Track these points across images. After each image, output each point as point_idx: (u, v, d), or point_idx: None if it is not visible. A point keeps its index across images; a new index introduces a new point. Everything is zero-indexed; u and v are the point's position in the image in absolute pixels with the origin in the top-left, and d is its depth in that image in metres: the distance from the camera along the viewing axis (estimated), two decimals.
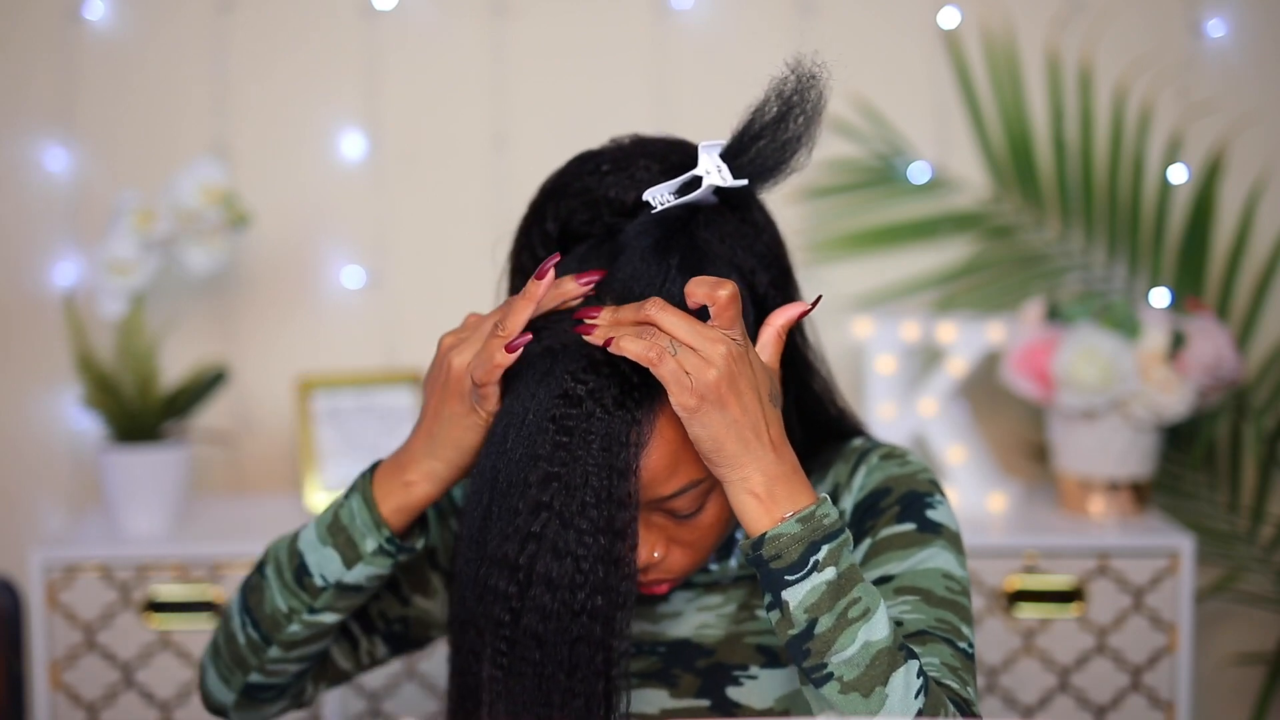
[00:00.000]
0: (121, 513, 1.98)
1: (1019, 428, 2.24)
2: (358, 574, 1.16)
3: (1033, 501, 2.09)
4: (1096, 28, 2.19)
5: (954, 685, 1.07)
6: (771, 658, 1.18)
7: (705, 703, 1.17)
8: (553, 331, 1.08)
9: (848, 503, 1.20)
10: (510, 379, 1.09)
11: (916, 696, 1.01)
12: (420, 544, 1.18)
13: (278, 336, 2.24)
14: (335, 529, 1.16)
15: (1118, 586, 1.90)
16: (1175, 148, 2.16)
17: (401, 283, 2.24)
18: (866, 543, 1.17)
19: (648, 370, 1.04)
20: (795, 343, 1.21)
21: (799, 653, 1.02)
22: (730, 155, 1.14)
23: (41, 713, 1.91)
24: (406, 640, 1.30)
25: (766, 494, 1.03)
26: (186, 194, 1.97)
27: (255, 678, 1.22)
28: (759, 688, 1.17)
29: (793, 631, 1.02)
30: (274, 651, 1.20)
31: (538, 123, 2.21)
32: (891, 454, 1.22)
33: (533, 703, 1.07)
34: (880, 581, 1.14)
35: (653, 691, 1.19)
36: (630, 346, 1.02)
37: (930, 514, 1.17)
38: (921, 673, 1.03)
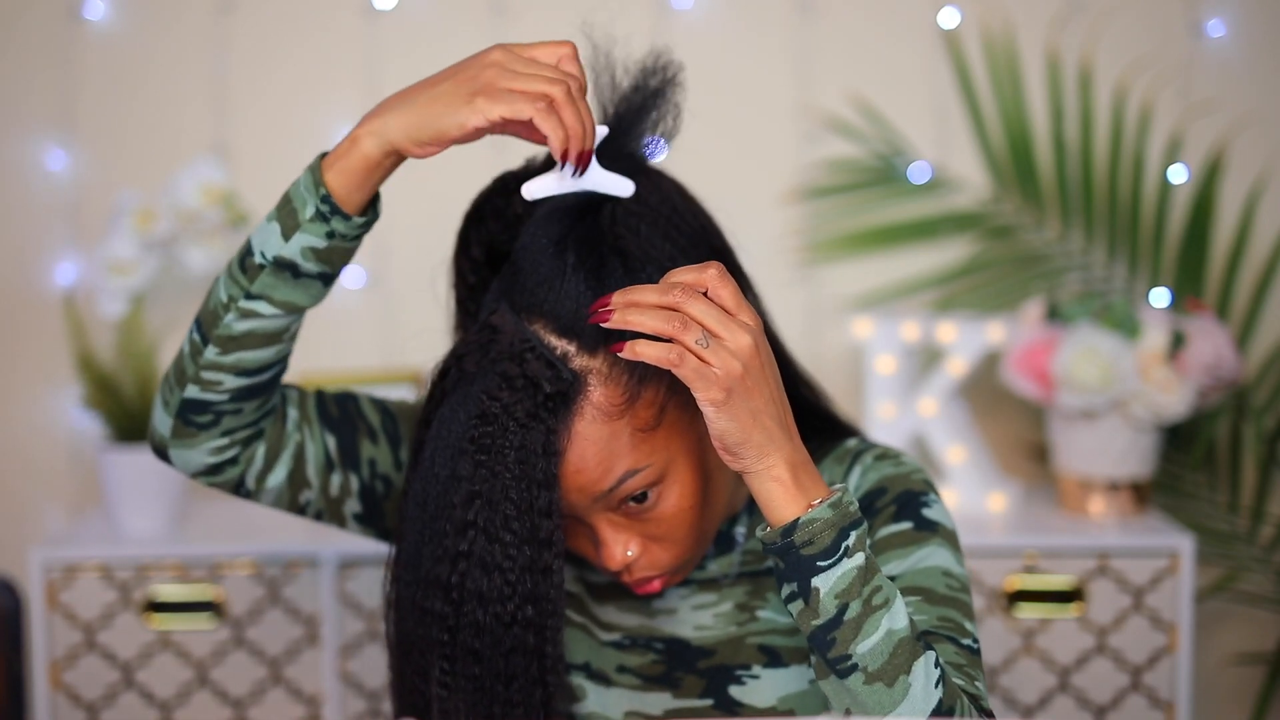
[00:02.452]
0: (121, 513, 1.98)
1: (1019, 428, 2.24)
2: (294, 245, 1.10)
3: (1033, 501, 2.09)
4: (1096, 28, 2.19)
5: (960, 683, 1.07)
6: (774, 658, 1.18)
7: (709, 702, 1.18)
8: (471, 356, 1.09)
9: None
10: (434, 405, 1.11)
11: (936, 686, 1.03)
12: (361, 220, 1.12)
13: None
14: (282, 203, 1.11)
15: (1118, 586, 1.90)
16: (1175, 148, 2.16)
17: (401, 283, 2.24)
18: None
19: (559, 376, 1.06)
20: (777, 340, 1.22)
21: (823, 643, 1.02)
22: (604, 150, 1.14)
23: (41, 713, 1.91)
24: (381, 515, 1.25)
25: (793, 481, 1.03)
26: (186, 194, 1.97)
27: (191, 390, 1.15)
28: (762, 687, 1.18)
29: (817, 621, 1.02)
30: (210, 352, 1.13)
31: None
32: (885, 454, 1.23)
33: (477, 716, 1.08)
34: None
35: (656, 694, 1.19)
36: (648, 352, 1.01)
37: (926, 512, 1.18)
38: (939, 664, 1.04)
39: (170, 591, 1.91)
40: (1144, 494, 2.01)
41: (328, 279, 1.14)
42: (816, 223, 2.22)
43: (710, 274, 1.03)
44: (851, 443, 1.26)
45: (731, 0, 2.22)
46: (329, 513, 1.25)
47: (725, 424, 1.01)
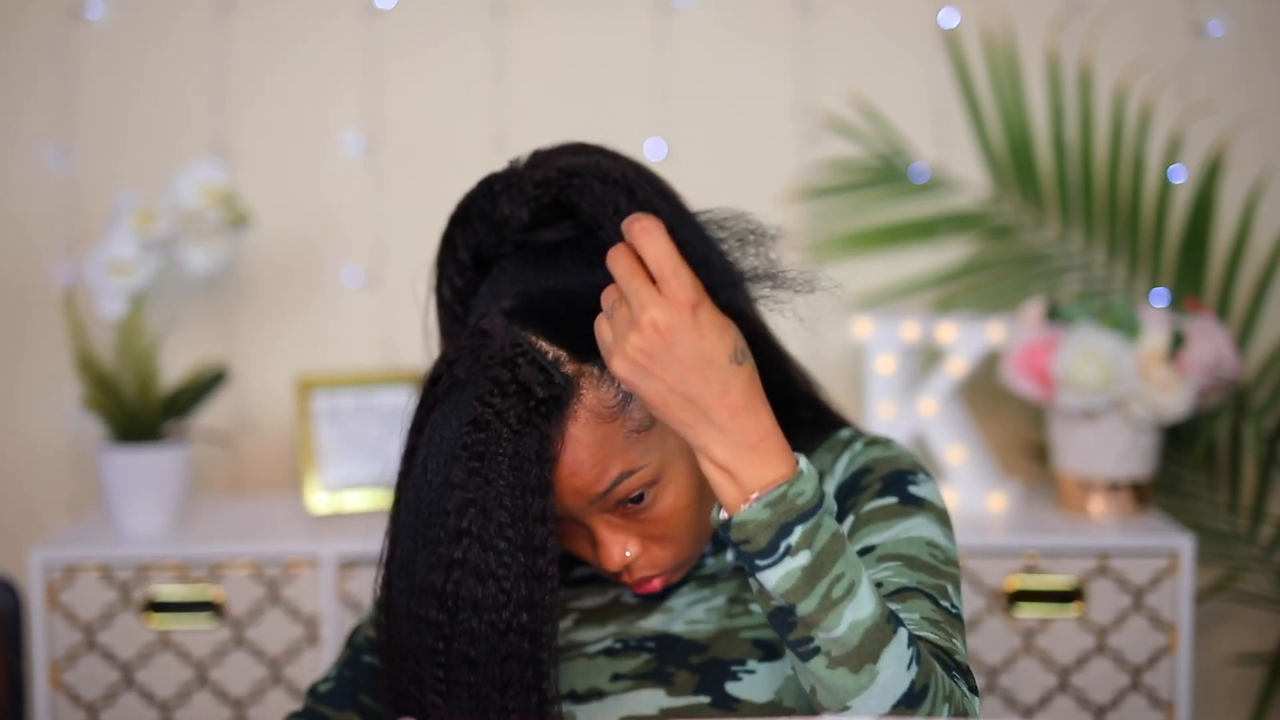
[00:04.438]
0: (121, 513, 1.98)
1: (1019, 428, 2.24)
2: None
3: (1033, 501, 2.09)
4: (1096, 28, 2.19)
5: (932, 637, 1.07)
6: (769, 651, 1.18)
7: (705, 699, 1.17)
8: (463, 362, 1.10)
9: (830, 486, 1.21)
10: (426, 411, 1.11)
11: (909, 668, 1.00)
12: None
13: (278, 336, 2.24)
14: None
15: (1118, 586, 1.90)
16: (1175, 148, 2.16)
17: (401, 283, 2.24)
18: (850, 519, 1.17)
19: (551, 381, 1.06)
20: (763, 327, 1.22)
21: (782, 625, 1.00)
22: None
23: (41, 713, 1.91)
24: None
25: (732, 466, 0.99)
26: (186, 194, 1.97)
27: None
28: (758, 682, 1.17)
29: (773, 604, 1.00)
30: None
31: (538, 123, 2.21)
32: (876, 441, 1.23)
33: None
34: (863, 553, 1.14)
35: (649, 692, 1.18)
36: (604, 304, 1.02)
37: (913, 489, 1.18)
38: (912, 641, 1.01)
39: (170, 591, 1.91)
40: (1144, 494, 2.01)
41: None
42: (816, 223, 2.22)
43: (635, 228, 0.99)
44: (844, 433, 1.26)
45: (731, 0, 2.22)
46: None
47: (644, 397, 1.00)
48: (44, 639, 1.90)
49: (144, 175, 2.16)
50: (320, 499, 2.07)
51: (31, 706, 1.91)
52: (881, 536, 1.14)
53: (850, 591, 0.99)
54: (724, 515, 1.00)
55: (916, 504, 1.17)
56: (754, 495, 0.98)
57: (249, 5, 2.21)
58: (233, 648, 1.91)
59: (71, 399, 2.18)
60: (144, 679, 1.92)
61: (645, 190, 1.12)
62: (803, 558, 0.98)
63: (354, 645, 1.30)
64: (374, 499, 2.07)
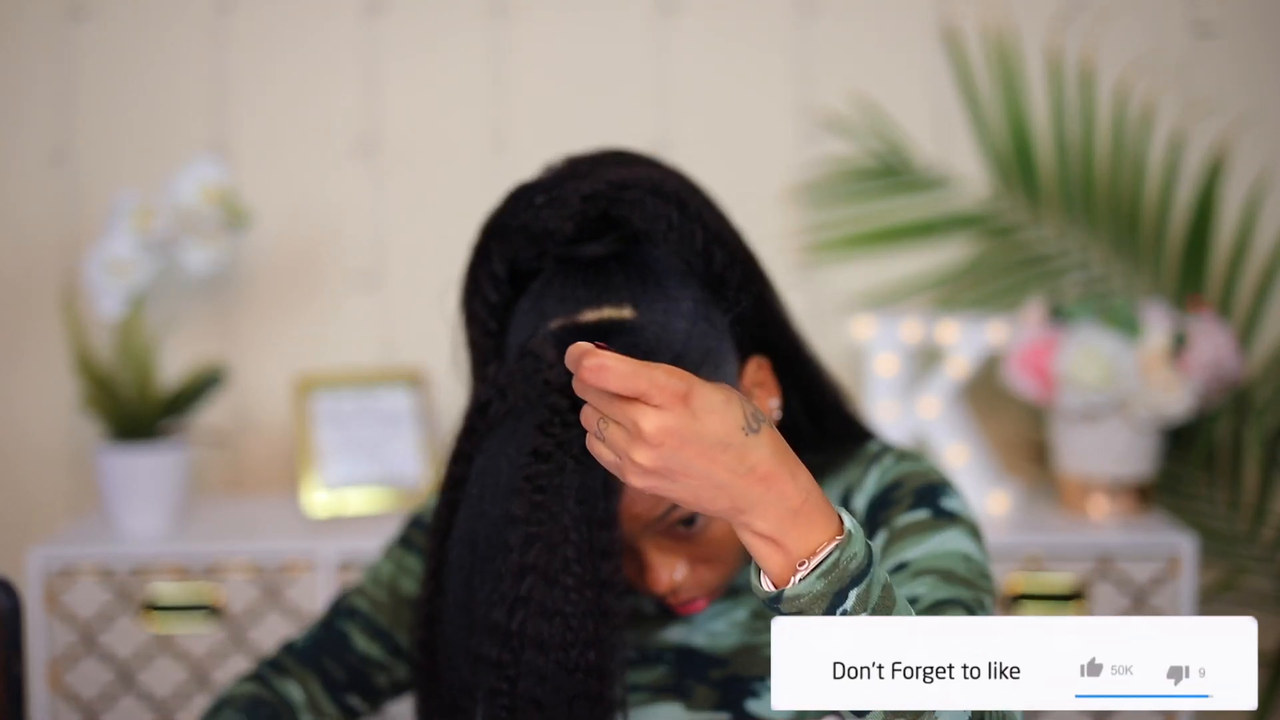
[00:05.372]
0: (120, 513, 1.98)
1: (1020, 428, 2.23)
2: None
3: (1034, 502, 2.09)
4: (1097, 27, 2.18)
5: None
6: None
7: (725, 715, 1.15)
8: (515, 388, 1.05)
9: (861, 501, 1.18)
10: (478, 438, 1.07)
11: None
12: None
13: (277, 336, 2.23)
14: None
15: (1119, 587, 1.90)
16: (1177, 147, 2.16)
17: (401, 283, 2.24)
18: (882, 534, 1.14)
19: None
20: (796, 342, 1.20)
21: None
22: None
23: (40, 714, 1.90)
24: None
25: (777, 535, 0.90)
26: (186, 194, 1.97)
27: None
28: None
29: None
30: None
31: (537, 123, 2.21)
32: (905, 455, 1.20)
33: None
34: (897, 569, 1.11)
35: (667, 705, 1.16)
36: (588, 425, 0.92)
37: (944, 503, 1.15)
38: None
39: (169, 592, 1.90)
40: (1145, 494, 2.00)
41: None
42: (817, 222, 2.22)
43: (585, 376, 0.87)
44: (873, 446, 1.22)
45: (731, 0, 2.21)
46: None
47: (674, 499, 0.91)
48: (43, 640, 1.90)
49: (143, 175, 2.16)
50: (319, 499, 2.07)
51: (30, 707, 1.90)
52: (916, 551, 1.11)
53: None
54: (769, 586, 0.92)
55: (949, 518, 1.14)
56: (803, 564, 0.90)
57: (249, 5, 2.21)
58: (231, 648, 1.91)
59: (70, 399, 2.17)
60: (143, 679, 1.91)
61: (695, 201, 1.10)
62: (861, 620, 0.92)
63: (336, 610, 1.28)
64: (373, 500, 2.07)
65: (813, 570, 0.89)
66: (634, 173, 1.10)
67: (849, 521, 0.92)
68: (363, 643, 1.26)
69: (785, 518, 0.90)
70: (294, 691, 1.25)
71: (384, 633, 1.27)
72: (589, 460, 1.01)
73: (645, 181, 1.08)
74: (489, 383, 1.07)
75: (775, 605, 0.91)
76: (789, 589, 0.90)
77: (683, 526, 1.09)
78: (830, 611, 0.90)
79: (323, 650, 1.26)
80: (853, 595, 0.90)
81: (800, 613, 0.90)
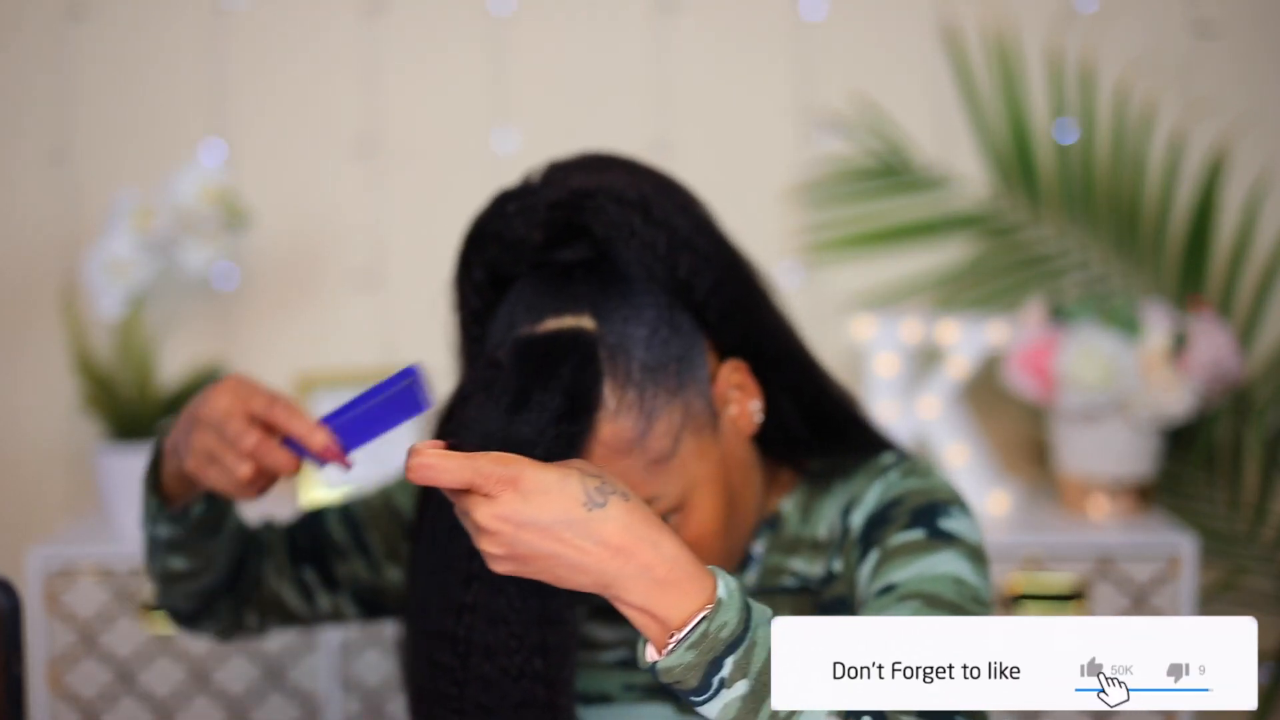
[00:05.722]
0: (120, 513, 1.97)
1: (1020, 428, 2.23)
2: (163, 532, 1.17)
3: (1034, 502, 2.09)
4: (1097, 27, 2.18)
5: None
6: None
7: None
8: (475, 399, 1.06)
9: (859, 517, 1.14)
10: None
11: None
12: (198, 509, 1.16)
13: (277, 336, 2.23)
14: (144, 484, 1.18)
15: (1119, 587, 1.90)
16: (1177, 147, 2.16)
17: (401, 283, 2.24)
18: (875, 554, 1.11)
19: (560, 426, 1.02)
20: (789, 345, 1.18)
21: None
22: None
23: (40, 714, 1.90)
24: (381, 608, 1.29)
25: (647, 605, 0.91)
26: (185, 194, 1.96)
27: (161, 603, 1.26)
28: None
29: None
30: (157, 585, 1.23)
31: (538, 123, 2.21)
32: (913, 470, 1.17)
33: None
34: (884, 591, 1.07)
35: (657, 707, 1.17)
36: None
37: (944, 523, 1.11)
38: None
39: None
40: (1146, 494, 2.00)
41: (215, 532, 1.19)
42: (817, 222, 2.22)
43: (415, 478, 0.92)
44: (886, 458, 1.18)
45: (731, 0, 2.21)
46: (333, 620, 1.31)
47: (542, 579, 0.92)
48: (42, 640, 1.90)
49: (143, 175, 2.16)
50: (319, 499, 2.06)
51: (30, 707, 1.90)
52: (903, 574, 1.07)
53: (794, 716, 0.91)
54: (650, 657, 0.92)
55: (945, 539, 1.10)
56: (674, 637, 0.90)
57: (249, 5, 2.20)
58: (231, 649, 1.90)
59: (70, 399, 2.17)
60: (143, 680, 1.91)
61: (662, 207, 1.09)
62: (739, 688, 0.91)
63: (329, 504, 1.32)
64: None
65: (680, 643, 0.90)
66: (601, 179, 1.09)
67: (722, 587, 0.91)
68: (334, 524, 1.29)
69: (652, 589, 0.90)
70: (263, 537, 1.29)
71: (356, 524, 1.28)
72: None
73: (609, 189, 1.08)
74: (455, 391, 1.08)
75: (657, 678, 0.92)
76: (660, 662, 0.90)
77: None
78: (707, 681, 0.90)
79: (298, 524, 1.30)
80: (728, 663, 0.90)
81: (679, 683, 0.91)
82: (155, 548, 1.20)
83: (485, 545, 0.91)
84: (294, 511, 1.34)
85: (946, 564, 1.08)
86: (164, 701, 1.91)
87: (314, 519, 1.30)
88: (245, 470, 1.04)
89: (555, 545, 0.90)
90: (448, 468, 0.90)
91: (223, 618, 1.27)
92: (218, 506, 1.18)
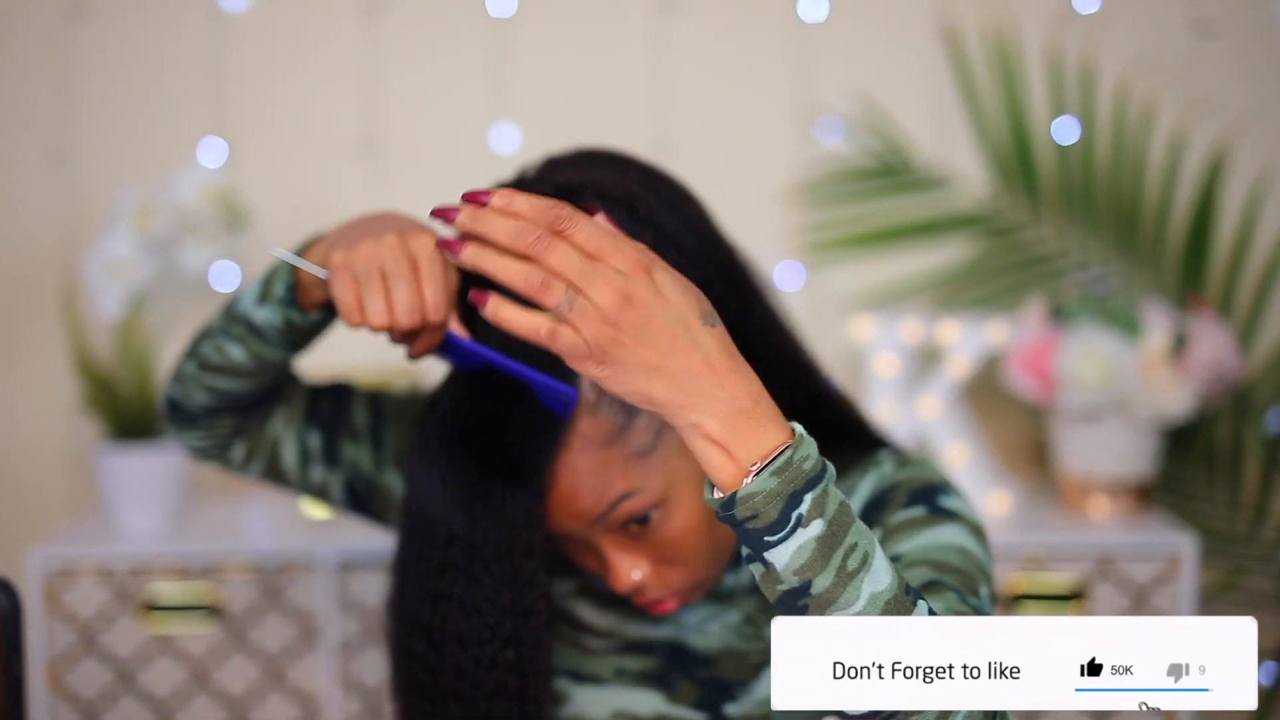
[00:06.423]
0: (120, 513, 1.97)
1: (1020, 428, 2.23)
2: (262, 314, 1.15)
3: (1034, 502, 2.09)
4: (1097, 27, 2.18)
5: None
6: None
7: (702, 715, 1.15)
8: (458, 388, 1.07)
9: (854, 506, 1.14)
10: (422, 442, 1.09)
11: None
12: (317, 318, 1.15)
13: None
14: (272, 268, 1.16)
15: (1119, 587, 1.90)
16: (1177, 147, 2.16)
17: None
18: (877, 533, 1.11)
19: (537, 423, 1.02)
20: (783, 343, 1.18)
21: (794, 609, 0.90)
22: None
23: (40, 714, 1.90)
24: (365, 506, 1.29)
25: (726, 437, 0.87)
26: (185, 193, 1.96)
27: (174, 390, 1.24)
28: (754, 692, 1.16)
29: (782, 587, 0.89)
30: (189, 366, 1.21)
31: (538, 123, 2.21)
32: (908, 462, 1.18)
33: None
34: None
35: (648, 693, 1.17)
36: (514, 322, 0.88)
37: (942, 501, 1.12)
38: (933, 614, 0.93)
39: (168, 592, 1.90)
40: (1146, 494, 2.00)
41: (293, 348, 1.18)
42: (817, 223, 2.22)
43: (559, 215, 0.86)
44: (881, 454, 1.19)
45: (731, 0, 2.21)
46: (316, 496, 1.29)
47: (621, 389, 0.87)
48: (42, 640, 1.90)
49: (143, 175, 2.16)
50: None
51: (30, 707, 1.90)
52: (909, 545, 1.07)
53: (865, 562, 0.89)
54: (719, 493, 0.89)
55: (946, 514, 1.10)
56: (754, 466, 0.87)
57: (249, 5, 2.20)
58: (231, 649, 1.91)
59: (70, 399, 2.17)
60: (143, 680, 1.91)
61: (648, 204, 1.09)
62: (816, 527, 0.87)
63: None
64: None
65: (765, 466, 0.86)
66: (589, 176, 1.09)
67: (799, 428, 0.89)
68: (359, 405, 1.28)
69: (735, 418, 0.87)
70: (289, 384, 1.28)
71: (381, 415, 1.28)
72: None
73: (596, 185, 1.08)
74: (441, 382, 1.10)
75: (730, 513, 0.88)
76: (742, 490, 0.86)
77: (636, 525, 1.09)
78: (786, 515, 0.87)
79: (326, 389, 1.29)
80: (808, 499, 0.87)
81: (755, 516, 0.87)
82: (230, 326, 1.16)
83: (586, 324, 0.85)
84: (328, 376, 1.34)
85: (950, 535, 1.08)
86: (164, 701, 1.91)
87: (342, 392, 1.29)
88: (412, 315, 1.01)
89: (669, 343, 0.86)
90: (593, 231, 0.86)
91: (217, 434, 1.25)
92: (326, 326, 1.17)
